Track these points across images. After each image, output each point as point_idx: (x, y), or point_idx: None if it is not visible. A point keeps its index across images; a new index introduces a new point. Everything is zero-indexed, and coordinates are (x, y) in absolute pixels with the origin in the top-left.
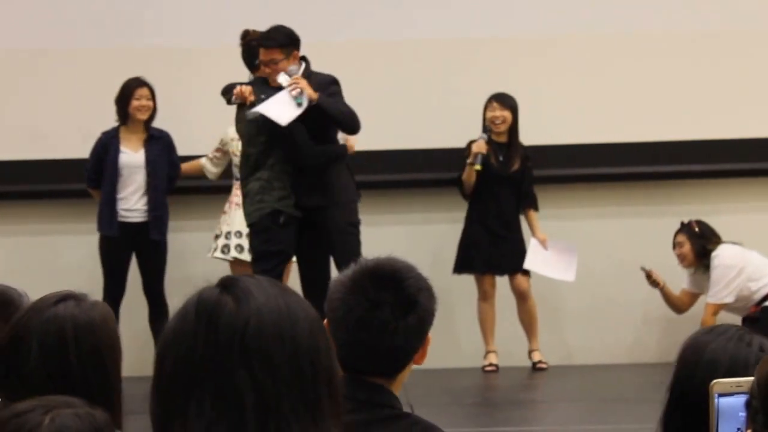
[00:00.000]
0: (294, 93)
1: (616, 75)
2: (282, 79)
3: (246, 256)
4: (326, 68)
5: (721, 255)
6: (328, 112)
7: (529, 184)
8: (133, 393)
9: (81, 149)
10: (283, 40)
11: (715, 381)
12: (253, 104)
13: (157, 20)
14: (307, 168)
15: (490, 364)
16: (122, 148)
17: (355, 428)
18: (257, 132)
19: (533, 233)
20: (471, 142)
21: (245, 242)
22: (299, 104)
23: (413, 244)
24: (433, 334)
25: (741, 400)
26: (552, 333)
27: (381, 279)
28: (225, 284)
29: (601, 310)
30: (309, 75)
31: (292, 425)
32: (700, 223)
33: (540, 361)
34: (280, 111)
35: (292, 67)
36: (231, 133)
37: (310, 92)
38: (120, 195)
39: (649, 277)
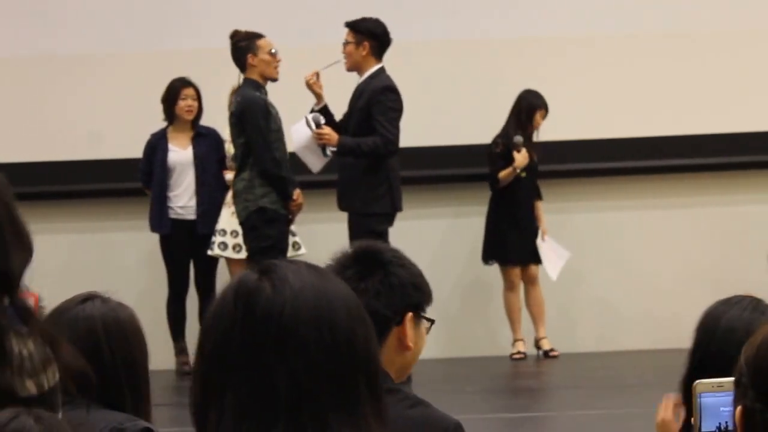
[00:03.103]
0: (320, 144)
1: (633, 73)
2: (311, 117)
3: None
4: None
5: None
6: (349, 155)
7: (535, 177)
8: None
9: (132, 149)
10: (360, 26)
11: (697, 382)
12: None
13: (200, 23)
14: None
15: (518, 352)
16: (171, 146)
17: None
18: (238, 134)
19: (538, 224)
20: (497, 137)
21: (228, 241)
22: (326, 155)
23: (447, 237)
24: (468, 323)
25: (721, 398)
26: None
27: (343, 257)
28: (264, 270)
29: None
30: (373, 77)
31: (327, 414)
32: None
33: (552, 349)
34: (312, 159)
35: (319, 117)
36: (225, 135)
37: (333, 143)
38: (173, 193)
39: None
